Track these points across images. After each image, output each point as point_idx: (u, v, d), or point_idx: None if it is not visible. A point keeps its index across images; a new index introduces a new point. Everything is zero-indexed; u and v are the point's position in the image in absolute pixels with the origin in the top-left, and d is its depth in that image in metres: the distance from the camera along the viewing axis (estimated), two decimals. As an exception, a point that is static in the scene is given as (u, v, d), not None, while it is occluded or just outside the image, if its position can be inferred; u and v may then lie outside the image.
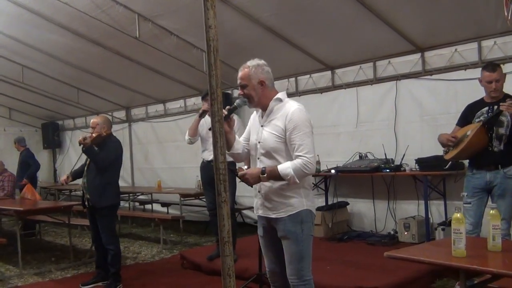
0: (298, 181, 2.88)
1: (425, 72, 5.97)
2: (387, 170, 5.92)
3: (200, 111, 5.46)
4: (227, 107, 3.01)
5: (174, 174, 9.44)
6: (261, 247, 3.32)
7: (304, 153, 2.86)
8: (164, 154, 9.79)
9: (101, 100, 10.02)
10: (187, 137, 5.53)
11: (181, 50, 6.87)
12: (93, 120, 5.26)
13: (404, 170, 5.90)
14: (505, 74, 4.21)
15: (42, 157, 12.77)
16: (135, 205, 10.13)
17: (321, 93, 6.98)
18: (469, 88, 5.18)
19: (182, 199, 7.97)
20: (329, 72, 6.91)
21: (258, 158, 3.07)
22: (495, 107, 4.15)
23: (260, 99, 3.05)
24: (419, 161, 5.71)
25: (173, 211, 9.05)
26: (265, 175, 2.91)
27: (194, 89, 8.56)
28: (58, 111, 11.79)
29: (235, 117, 3.28)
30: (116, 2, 5.91)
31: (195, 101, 8.90)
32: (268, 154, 3.01)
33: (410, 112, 6.13)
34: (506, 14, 4.05)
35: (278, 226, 3.03)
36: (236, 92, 6.31)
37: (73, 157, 11.79)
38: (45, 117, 12.53)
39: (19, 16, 6.53)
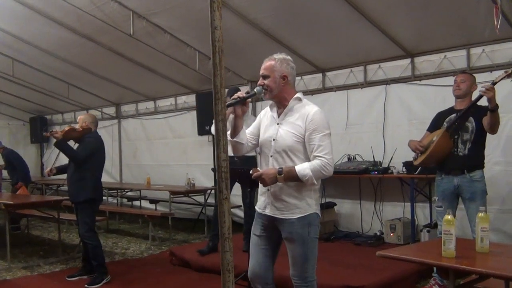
0: (315, 182, 2.84)
1: (414, 77, 6.08)
2: (375, 172, 6.02)
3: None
4: (246, 91, 3.05)
5: (162, 171, 9.46)
6: (252, 246, 3.12)
7: (324, 154, 2.83)
8: (153, 151, 9.81)
9: (91, 96, 9.97)
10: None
11: (174, 48, 6.91)
12: (80, 117, 5.44)
13: (392, 173, 6.00)
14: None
15: (30, 151, 12.71)
16: (123, 201, 10.12)
17: (312, 95, 7.04)
18: (457, 94, 5.33)
19: (171, 196, 7.99)
20: (320, 75, 7.00)
21: (271, 156, 2.98)
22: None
23: (279, 93, 2.99)
24: (406, 164, 5.80)
25: (161, 208, 9.06)
26: (282, 176, 2.83)
27: (185, 87, 8.60)
28: (47, 106, 11.70)
29: (250, 116, 3.29)
30: (111, -2, 5.94)
31: (186, 99, 8.95)
32: (283, 152, 2.94)
33: (399, 116, 6.24)
34: (495, 23, 4.18)
35: (283, 228, 2.96)
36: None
37: (60, 152, 11.69)
38: (33, 111, 12.43)
39: (11, 9, 6.48)
